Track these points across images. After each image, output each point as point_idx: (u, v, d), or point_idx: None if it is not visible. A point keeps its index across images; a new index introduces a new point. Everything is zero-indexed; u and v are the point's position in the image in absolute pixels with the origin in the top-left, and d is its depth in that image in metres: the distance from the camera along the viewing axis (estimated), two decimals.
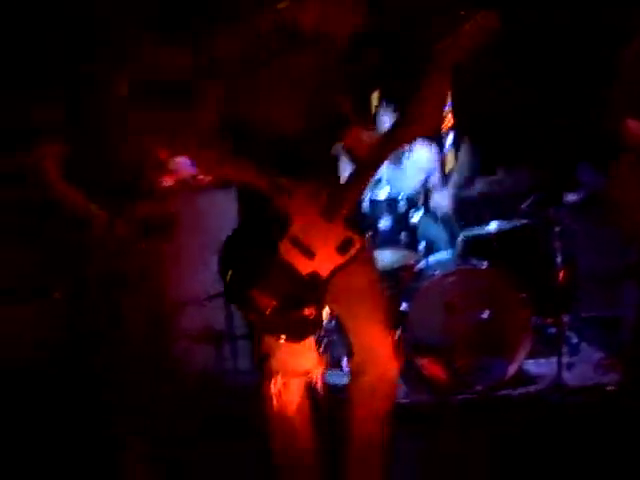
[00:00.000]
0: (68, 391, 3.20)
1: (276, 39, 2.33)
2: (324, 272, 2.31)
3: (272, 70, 2.33)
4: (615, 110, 2.78)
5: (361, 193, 2.49)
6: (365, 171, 2.36)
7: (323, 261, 2.30)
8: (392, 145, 2.34)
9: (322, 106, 2.39)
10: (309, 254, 2.30)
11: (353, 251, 2.32)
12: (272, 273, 2.29)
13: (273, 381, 2.44)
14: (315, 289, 2.31)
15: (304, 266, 2.30)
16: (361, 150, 2.49)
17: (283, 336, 2.34)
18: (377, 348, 2.43)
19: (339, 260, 2.31)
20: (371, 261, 2.55)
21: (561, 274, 3.95)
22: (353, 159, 2.46)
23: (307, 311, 2.30)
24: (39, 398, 3.32)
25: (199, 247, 3.99)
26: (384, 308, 2.50)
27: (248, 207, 2.42)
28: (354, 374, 2.50)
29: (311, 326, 2.35)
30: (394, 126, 2.32)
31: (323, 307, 2.35)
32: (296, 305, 2.30)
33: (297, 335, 2.35)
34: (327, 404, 2.90)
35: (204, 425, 3.44)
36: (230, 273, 2.32)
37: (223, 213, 4.27)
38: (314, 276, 2.30)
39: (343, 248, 2.31)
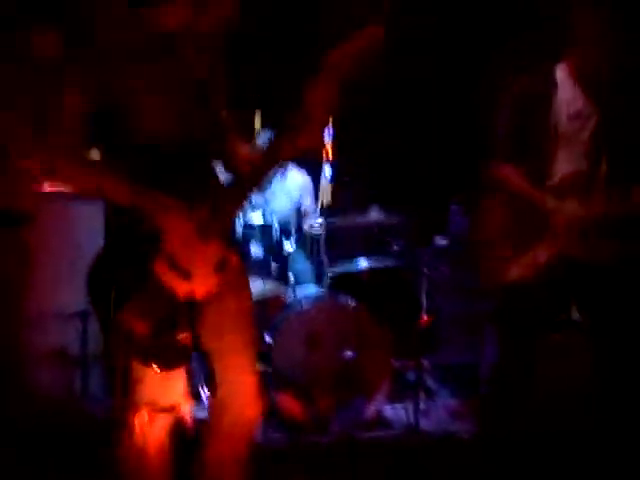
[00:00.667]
0: None
1: (144, 42, 2.17)
2: (200, 293, 2.16)
3: (148, 73, 2.16)
4: (486, 151, 2.84)
5: (238, 210, 2.38)
6: (244, 185, 2.23)
7: (199, 282, 2.15)
8: (274, 158, 2.22)
9: (200, 116, 2.26)
10: (185, 274, 2.14)
11: (230, 271, 2.19)
12: (145, 294, 2.12)
13: (138, 414, 2.24)
14: (190, 312, 2.17)
15: (179, 287, 2.14)
16: (240, 164, 2.41)
17: (155, 365, 2.16)
18: (242, 385, 2.34)
19: (215, 280, 2.17)
20: (247, 288, 2.44)
21: (424, 317, 3.99)
22: (232, 173, 2.37)
23: (181, 336, 2.15)
24: None
25: (58, 260, 3.79)
26: (253, 342, 2.41)
27: (116, 222, 2.23)
28: (215, 411, 2.39)
29: (184, 353, 2.19)
30: (276, 137, 2.21)
31: (197, 332, 2.19)
32: (169, 329, 2.14)
33: (169, 363, 2.18)
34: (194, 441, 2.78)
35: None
36: (100, 295, 2.14)
37: (89, 226, 4.07)
38: (190, 298, 2.15)
39: (219, 268, 2.18)
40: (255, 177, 2.24)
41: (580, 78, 2.70)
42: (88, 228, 4.01)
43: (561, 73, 2.72)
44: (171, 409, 2.30)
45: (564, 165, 2.70)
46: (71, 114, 2.16)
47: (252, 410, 2.36)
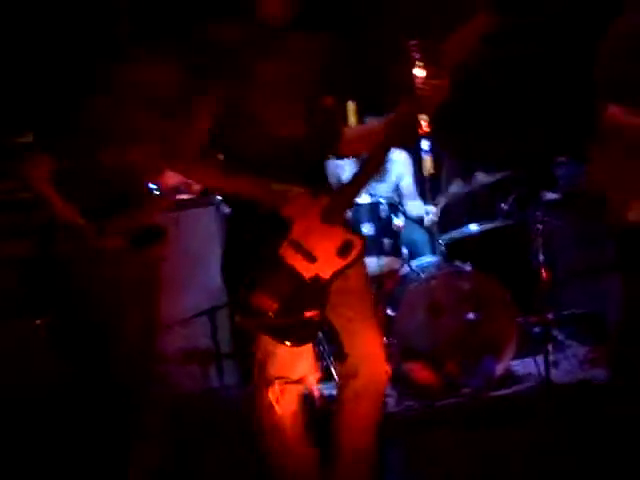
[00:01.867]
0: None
1: (259, 39, 2.32)
2: (326, 275, 2.31)
3: (266, 71, 2.32)
4: (597, 97, 2.77)
5: (358, 195, 2.51)
6: (367, 172, 2.37)
7: (324, 265, 2.31)
8: (395, 140, 2.35)
9: (315, 108, 2.40)
10: (310, 258, 2.30)
11: (354, 254, 2.33)
12: (275, 276, 2.29)
13: (270, 389, 2.41)
14: (317, 292, 2.32)
15: (305, 270, 2.30)
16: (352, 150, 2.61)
17: (288, 341, 2.33)
18: (370, 352, 2.44)
19: (340, 263, 2.32)
20: (364, 264, 2.55)
21: (543, 272, 3.97)
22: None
23: (309, 314, 2.31)
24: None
25: (180, 266, 3.97)
26: (375, 312, 2.52)
27: (241, 215, 2.40)
28: (345, 378, 2.49)
29: (313, 330, 2.35)
30: (396, 119, 2.33)
31: (324, 311, 2.34)
32: (298, 308, 2.30)
33: (300, 339, 2.34)
34: (321, 413, 2.88)
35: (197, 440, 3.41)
36: (233, 279, 2.34)
37: (204, 232, 4.27)
38: (316, 279, 2.31)
39: (343, 251, 2.32)
40: (377, 162, 2.38)
41: None
42: (202, 235, 4.22)
43: None
44: (301, 381, 2.45)
45: None
46: (200, 128, 2.33)
47: (381, 374, 2.47)
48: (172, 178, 3.34)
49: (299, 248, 2.30)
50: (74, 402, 3.25)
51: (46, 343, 3.94)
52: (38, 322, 4.03)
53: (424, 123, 4.48)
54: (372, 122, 3.69)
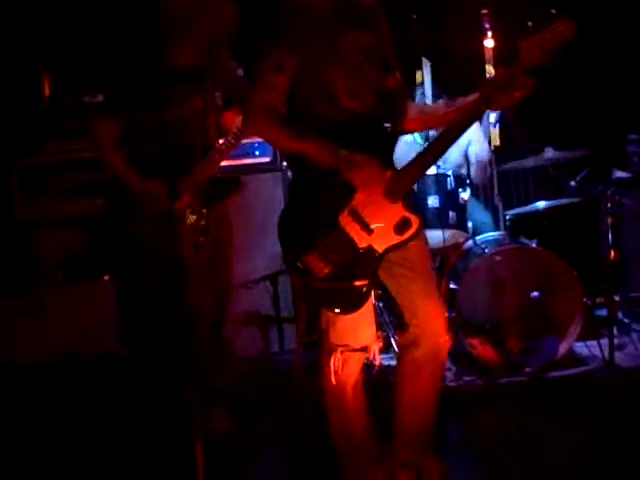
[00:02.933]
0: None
1: (339, 12, 2.33)
2: (379, 248, 2.34)
3: (347, 42, 2.33)
4: None
5: (423, 174, 2.52)
6: (434, 152, 2.38)
7: (380, 238, 2.34)
8: (463, 127, 2.35)
9: (385, 82, 2.41)
10: (367, 229, 2.34)
11: (410, 232, 2.36)
12: (329, 240, 2.33)
13: (332, 356, 2.45)
14: (369, 263, 2.35)
15: (361, 239, 2.33)
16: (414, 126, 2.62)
17: (334, 307, 2.37)
18: (431, 321, 2.45)
19: (395, 239, 2.35)
20: (424, 236, 2.57)
21: (611, 253, 3.90)
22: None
23: (358, 283, 2.33)
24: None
25: (245, 231, 4.01)
26: (435, 282, 2.55)
27: (303, 177, 2.42)
28: (406, 347, 2.51)
29: (360, 299, 2.37)
30: (469, 107, 2.34)
31: (374, 282, 2.38)
32: (349, 276, 2.34)
33: (346, 307, 2.37)
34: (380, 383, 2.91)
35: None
36: (289, 237, 2.38)
37: (269, 197, 4.30)
38: (369, 250, 2.34)
39: (400, 228, 2.35)
40: (446, 143, 2.38)
41: None
42: (268, 199, 4.25)
43: None
44: (362, 350, 2.48)
45: None
46: (281, 92, 2.34)
47: (442, 343, 2.48)
48: (233, 122, 3.32)
49: (357, 217, 2.33)
50: (140, 364, 3.35)
51: (115, 299, 4.07)
52: (107, 278, 4.15)
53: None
54: (437, 103, 3.70)
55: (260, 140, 4.14)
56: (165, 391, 3.10)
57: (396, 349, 3.68)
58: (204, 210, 3.14)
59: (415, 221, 2.36)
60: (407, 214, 2.35)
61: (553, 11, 2.21)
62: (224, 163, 3.27)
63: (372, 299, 2.49)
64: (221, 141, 3.18)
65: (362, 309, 2.40)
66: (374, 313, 2.53)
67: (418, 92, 4.41)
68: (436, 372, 2.53)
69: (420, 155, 2.39)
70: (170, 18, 3.03)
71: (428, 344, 2.45)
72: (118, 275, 4.07)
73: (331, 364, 2.45)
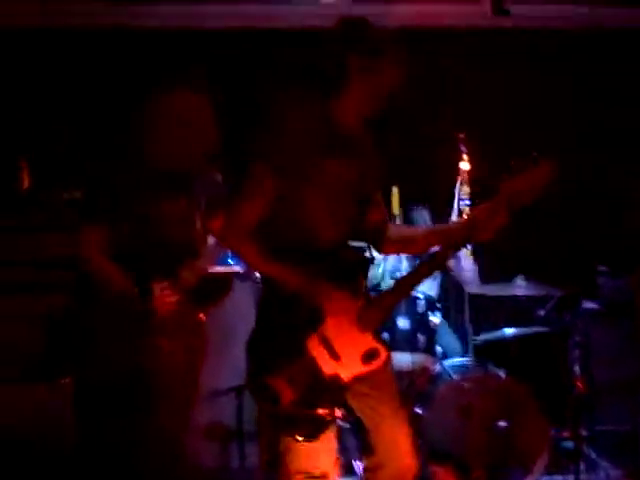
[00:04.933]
0: None
1: (321, 141, 2.36)
2: (345, 377, 2.33)
3: (328, 173, 2.38)
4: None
5: (396, 306, 2.54)
6: (407, 284, 2.41)
7: (347, 366, 2.33)
8: (445, 256, 2.40)
9: (358, 213, 2.46)
10: (335, 356, 2.33)
11: (377, 363, 2.36)
12: (296, 364, 2.31)
13: None
14: (334, 391, 2.33)
15: (328, 366, 2.32)
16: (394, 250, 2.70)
17: (298, 435, 2.33)
18: (398, 444, 2.43)
19: (362, 369, 2.35)
20: (391, 360, 2.57)
21: (579, 384, 3.89)
22: None
23: (322, 411, 2.31)
24: None
25: (212, 338, 3.96)
26: (403, 407, 2.54)
27: (274, 298, 2.42)
28: (371, 470, 2.48)
29: (323, 427, 2.34)
30: (452, 237, 2.39)
31: (338, 411, 2.35)
32: (313, 403, 2.31)
33: (308, 434, 2.33)
34: None
35: None
36: (256, 357, 2.36)
37: (239, 306, 4.26)
38: (335, 379, 2.32)
39: (368, 358, 2.35)
40: (420, 276, 2.43)
41: None
42: (238, 309, 4.20)
43: None
44: (322, 477, 2.41)
45: None
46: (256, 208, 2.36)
47: (409, 467, 2.46)
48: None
49: (326, 344, 2.33)
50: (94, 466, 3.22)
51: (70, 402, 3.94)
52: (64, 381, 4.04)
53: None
54: (415, 227, 3.77)
55: None
56: None
57: (359, 473, 3.60)
58: (201, 314, 3.13)
59: (383, 352, 2.37)
60: (376, 344, 2.36)
61: (534, 154, 2.27)
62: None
63: (335, 426, 2.44)
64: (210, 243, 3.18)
65: (325, 435, 2.36)
66: (335, 438, 2.48)
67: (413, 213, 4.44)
68: None
69: (395, 287, 2.42)
70: (158, 124, 3.06)
71: (394, 467, 2.42)
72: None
73: None
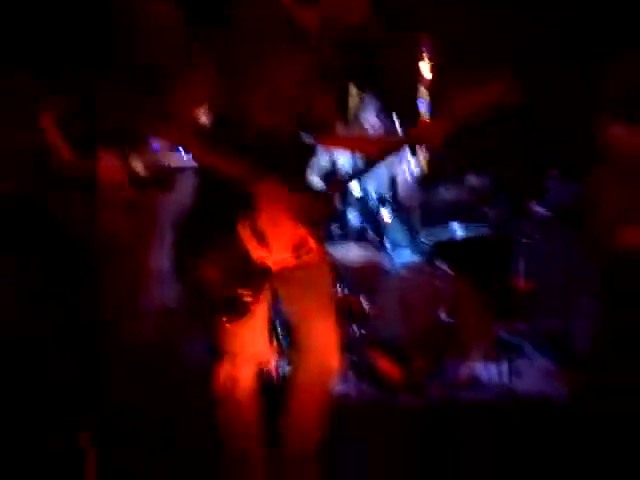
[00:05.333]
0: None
1: (280, 34, 2.35)
2: (273, 265, 2.37)
3: (270, 63, 2.35)
4: (599, 116, 2.76)
5: (333, 203, 2.56)
6: (346, 181, 2.44)
7: (276, 254, 2.36)
8: (378, 162, 2.44)
9: (306, 104, 2.44)
10: (264, 243, 2.35)
11: (306, 255, 2.39)
12: (223, 248, 2.34)
13: (225, 363, 2.48)
14: (259, 277, 2.37)
15: (256, 252, 2.35)
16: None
17: (222, 316, 2.39)
18: (322, 343, 2.50)
19: (290, 259, 2.38)
20: (327, 256, 2.62)
21: (521, 283, 4.02)
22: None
23: (244, 294, 2.35)
24: None
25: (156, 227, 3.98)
26: (333, 305, 2.57)
27: (209, 184, 2.42)
28: (296, 368, 2.55)
29: (245, 310, 2.38)
30: (389, 145, 2.43)
31: (260, 296, 2.39)
32: (236, 285, 2.35)
33: (231, 316, 2.38)
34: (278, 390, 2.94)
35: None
36: (184, 239, 2.38)
37: (183, 195, 4.25)
38: (262, 265, 2.36)
39: (298, 249, 2.38)
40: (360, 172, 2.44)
41: None
42: (184, 196, 4.19)
43: None
44: (256, 358, 2.50)
45: None
46: (196, 103, 2.37)
47: (332, 365, 2.53)
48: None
49: (256, 231, 2.34)
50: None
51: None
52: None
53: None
54: (362, 128, 3.77)
55: None
56: None
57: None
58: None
59: (314, 246, 2.39)
60: (309, 238, 2.38)
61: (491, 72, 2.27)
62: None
63: (266, 310, 2.50)
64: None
65: (254, 318, 2.42)
66: (267, 324, 2.54)
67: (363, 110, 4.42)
68: (323, 395, 2.56)
69: (333, 183, 2.44)
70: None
71: (317, 367, 2.50)
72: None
73: (222, 372, 2.47)
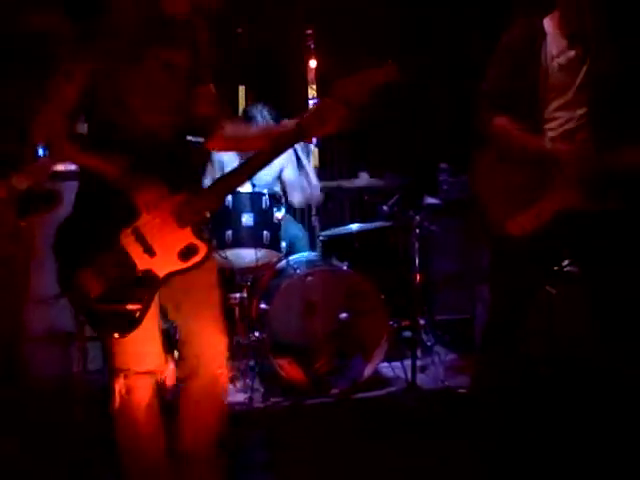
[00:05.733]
0: None
1: (148, 27, 2.24)
2: (160, 273, 2.26)
3: (145, 59, 2.25)
4: (481, 108, 2.80)
5: (219, 202, 2.47)
6: (238, 178, 2.35)
7: (162, 262, 2.26)
8: (270, 157, 2.31)
9: (187, 103, 2.36)
10: (149, 251, 2.25)
11: (195, 259, 2.29)
12: (107, 258, 2.22)
13: (118, 379, 2.35)
14: (147, 287, 2.26)
15: (141, 262, 2.24)
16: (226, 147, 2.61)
17: (109, 332, 2.27)
18: (209, 350, 2.41)
19: (178, 265, 2.28)
20: (214, 261, 2.53)
21: (418, 277, 4.02)
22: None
23: (131, 307, 2.24)
24: None
25: (46, 243, 3.79)
26: (221, 312, 2.48)
27: (90, 190, 2.30)
28: (184, 379, 2.45)
29: (133, 324, 2.27)
30: (281, 137, 2.31)
31: (149, 307, 2.28)
32: (123, 298, 2.24)
33: (118, 330, 2.27)
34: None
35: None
36: (65, 250, 2.25)
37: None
38: (149, 274, 2.25)
39: (185, 254, 2.28)
40: (248, 172, 2.35)
41: (567, 30, 2.69)
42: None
43: (549, 24, 2.68)
44: (149, 373, 2.38)
45: (557, 115, 2.66)
46: (70, 102, 2.23)
47: (221, 375, 2.44)
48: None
49: (141, 238, 2.24)
50: None
51: None
52: None
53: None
54: (251, 126, 3.70)
55: None
56: None
57: None
58: (21, 222, 2.96)
59: (203, 248, 2.29)
60: (195, 241, 2.28)
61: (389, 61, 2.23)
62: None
63: (156, 320, 2.38)
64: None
65: (145, 331, 2.30)
66: (160, 335, 2.42)
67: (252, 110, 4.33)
68: (215, 403, 2.47)
69: (219, 181, 2.36)
70: None
71: (206, 374, 2.41)
72: None
73: (116, 389, 2.35)
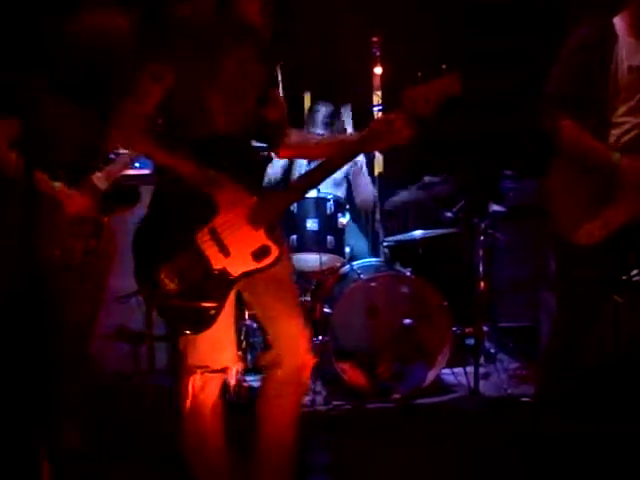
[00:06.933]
0: None
1: (225, 29, 2.30)
2: (234, 272, 2.31)
3: (224, 64, 2.31)
4: (547, 111, 2.76)
5: (290, 205, 2.52)
6: (303, 185, 2.40)
7: (236, 262, 2.31)
8: (339, 164, 2.36)
9: (257, 107, 2.41)
10: (224, 251, 2.30)
11: (268, 261, 2.33)
12: (183, 256, 2.28)
13: (191, 378, 2.40)
14: (221, 286, 2.31)
15: (216, 260, 2.29)
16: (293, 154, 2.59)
17: (184, 328, 2.33)
18: (295, 341, 2.44)
19: (252, 265, 2.32)
20: (290, 257, 2.59)
21: (482, 284, 4.01)
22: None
23: (206, 304, 2.30)
24: None
25: (120, 243, 3.89)
26: (299, 304, 2.54)
27: (167, 191, 2.36)
28: (269, 368, 2.48)
29: (208, 321, 2.31)
30: (347, 147, 2.35)
31: (223, 305, 2.33)
32: (198, 295, 2.29)
33: (193, 327, 2.33)
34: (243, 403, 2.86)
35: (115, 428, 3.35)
36: (144, 247, 2.32)
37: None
38: (223, 273, 2.30)
39: (258, 255, 2.32)
40: (318, 179, 2.39)
41: (638, 31, 2.59)
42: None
43: (620, 25, 2.62)
44: (222, 371, 2.42)
45: (623, 119, 2.61)
46: (155, 101, 2.29)
47: (305, 364, 2.45)
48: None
49: (216, 238, 2.29)
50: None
51: None
52: None
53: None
54: (321, 135, 3.75)
55: None
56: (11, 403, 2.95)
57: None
58: (104, 218, 3.08)
59: (275, 250, 2.33)
60: (268, 242, 2.32)
61: (444, 66, 2.24)
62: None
63: (231, 319, 2.43)
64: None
65: (222, 329, 2.35)
66: (235, 333, 2.48)
67: (314, 116, 4.39)
68: (298, 393, 2.50)
69: (290, 187, 2.40)
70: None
71: (290, 365, 2.43)
72: None
73: (189, 386, 2.39)
